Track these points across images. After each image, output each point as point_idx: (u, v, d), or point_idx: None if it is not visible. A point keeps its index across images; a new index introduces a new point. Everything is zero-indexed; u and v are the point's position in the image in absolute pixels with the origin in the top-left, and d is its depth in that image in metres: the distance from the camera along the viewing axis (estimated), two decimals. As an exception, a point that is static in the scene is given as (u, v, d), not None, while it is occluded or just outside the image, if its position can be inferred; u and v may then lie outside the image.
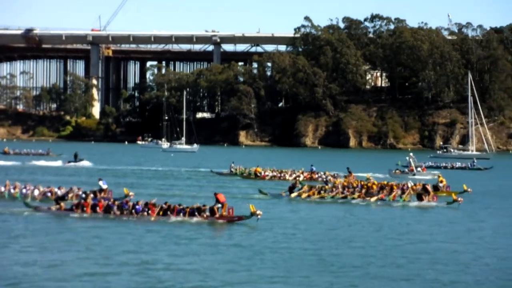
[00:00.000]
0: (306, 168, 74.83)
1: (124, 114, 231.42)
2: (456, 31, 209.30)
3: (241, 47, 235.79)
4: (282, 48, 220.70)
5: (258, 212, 37.13)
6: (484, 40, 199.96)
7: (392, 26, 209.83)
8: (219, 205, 38.72)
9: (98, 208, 39.51)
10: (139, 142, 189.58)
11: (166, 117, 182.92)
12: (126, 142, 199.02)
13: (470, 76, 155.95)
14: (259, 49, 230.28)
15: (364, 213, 43.97)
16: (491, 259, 28.27)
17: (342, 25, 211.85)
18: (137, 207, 38.94)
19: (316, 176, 69.30)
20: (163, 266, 25.72)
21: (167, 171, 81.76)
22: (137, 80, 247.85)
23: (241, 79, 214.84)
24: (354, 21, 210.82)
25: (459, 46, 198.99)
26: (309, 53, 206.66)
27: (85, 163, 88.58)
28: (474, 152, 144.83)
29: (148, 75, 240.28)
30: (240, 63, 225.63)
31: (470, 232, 36.19)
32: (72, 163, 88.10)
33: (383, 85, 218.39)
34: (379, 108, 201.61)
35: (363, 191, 50.68)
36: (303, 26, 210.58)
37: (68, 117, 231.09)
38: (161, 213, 38.37)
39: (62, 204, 40.72)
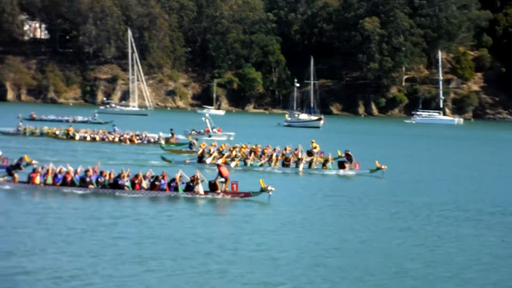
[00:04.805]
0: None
1: None
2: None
3: None
4: None
5: (269, 188, 32.87)
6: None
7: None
8: (222, 179, 33.96)
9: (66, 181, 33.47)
10: None
11: None
12: None
13: (130, 33, 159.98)
14: None
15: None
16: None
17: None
18: (119, 180, 33.36)
19: (136, 137, 67.64)
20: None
21: None
22: None
23: None
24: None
25: (119, 2, 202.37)
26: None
27: None
28: (136, 108, 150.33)
29: None
30: None
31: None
32: None
33: (42, 37, 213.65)
34: (39, 61, 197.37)
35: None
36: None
37: None
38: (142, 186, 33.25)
39: (16, 175, 33.90)
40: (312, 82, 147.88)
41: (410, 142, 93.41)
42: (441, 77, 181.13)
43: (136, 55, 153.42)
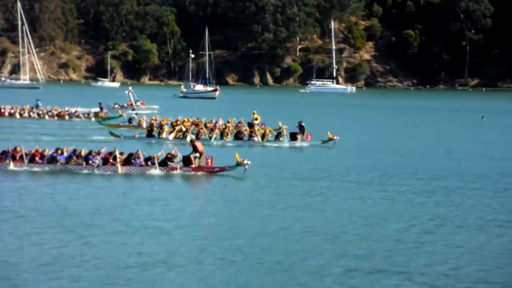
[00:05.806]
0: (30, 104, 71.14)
1: None
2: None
3: None
4: None
5: (245, 161, 32.40)
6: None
7: None
8: (197, 154, 33.47)
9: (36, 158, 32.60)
10: None
11: None
12: None
13: (19, 4, 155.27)
14: None
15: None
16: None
17: None
18: (90, 156, 32.59)
19: (65, 112, 66.71)
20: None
21: None
22: None
23: None
24: None
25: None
26: None
27: None
28: (27, 82, 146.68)
29: None
30: None
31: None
32: None
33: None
34: None
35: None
36: None
37: None
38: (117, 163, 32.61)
39: None
40: (207, 53, 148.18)
41: (306, 111, 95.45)
42: (334, 47, 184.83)
43: (26, 27, 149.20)
